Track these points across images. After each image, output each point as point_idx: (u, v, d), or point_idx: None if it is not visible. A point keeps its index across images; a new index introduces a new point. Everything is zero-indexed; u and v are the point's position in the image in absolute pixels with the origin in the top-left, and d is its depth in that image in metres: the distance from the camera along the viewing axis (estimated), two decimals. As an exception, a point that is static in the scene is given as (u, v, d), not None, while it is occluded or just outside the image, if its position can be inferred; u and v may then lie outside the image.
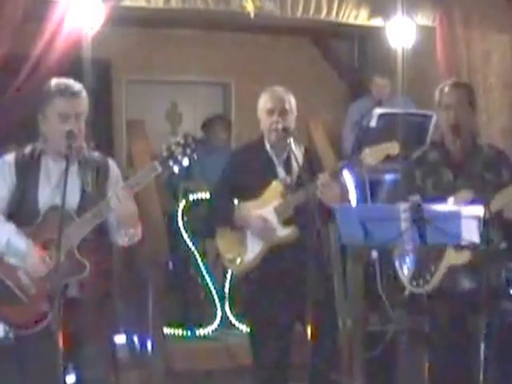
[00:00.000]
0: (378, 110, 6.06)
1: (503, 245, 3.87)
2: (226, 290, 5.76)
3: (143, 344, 5.33)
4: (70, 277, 3.38)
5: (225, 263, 4.25)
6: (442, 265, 3.81)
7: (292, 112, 4.14)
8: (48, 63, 4.90)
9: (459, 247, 3.68)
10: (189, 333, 5.68)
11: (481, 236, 3.38)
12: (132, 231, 3.51)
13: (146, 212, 5.05)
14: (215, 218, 4.27)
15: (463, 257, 3.75)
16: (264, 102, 4.15)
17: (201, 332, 5.69)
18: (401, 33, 5.96)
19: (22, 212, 3.45)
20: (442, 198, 3.81)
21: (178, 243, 5.85)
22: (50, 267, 3.32)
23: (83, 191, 3.49)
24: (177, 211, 5.87)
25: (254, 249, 4.08)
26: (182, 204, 5.90)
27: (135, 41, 7.06)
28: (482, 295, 3.57)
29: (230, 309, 5.76)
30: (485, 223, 3.38)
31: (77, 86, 3.51)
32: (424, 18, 6.10)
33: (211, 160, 5.69)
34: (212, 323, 5.73)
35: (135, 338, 5.43)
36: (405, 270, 3.94)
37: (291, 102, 4.15)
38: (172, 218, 5.90)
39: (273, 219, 4.04)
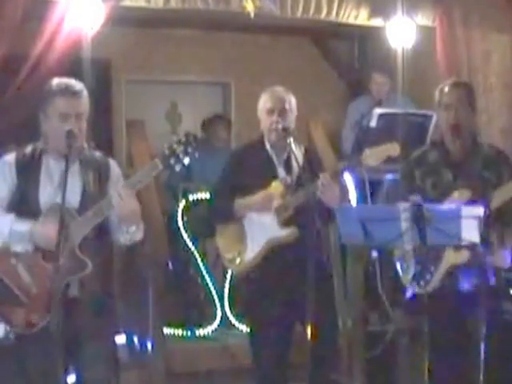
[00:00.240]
0: (378, 110, 6.06)
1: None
2: (226, 290, 5.76)
3: (143, 344, 5.33)
4: (72, 275, 3.39)
5: (225, 263, 4.25)
6: (442, 265, 3.81)
7: (292, 112, 4.14)
8: (48, 63, 4.90)
9: (459, 247, 3.68)
10: (189, 333, 5.68)
11: (481, 236, 3.38)
12: (133, 229, 3.50)
13: (146, 212, 5.03)
14: (215, 217, 4.27)
15: (463, 257, 3.75)
16: (264, 101, 4.16)
17: (201, 332, 5.69)
18: (401, 33, 5.95)
19: (23, 211, 3.45)
20: (442, 198, 3.81)
21: (178, 243, 5.85)
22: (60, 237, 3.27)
23: (84, 190, 3.49)
24: (177, 211, 5.87)
25: (253, 249, 4.07)
26: (182, 204, 5.91)
27: (135, 41, 7.06)
28: (482, 295, 3.58)
29: (230, 309, 5.77)
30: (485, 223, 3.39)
31: (78, 85, 3.52)
32: (424, 18, 6.10)
33: (211, 160, 5.70)
34: (212, 323, 5.73)
35: (135, 338, 5.43)
36: (405, 269, 3.94)
37: (291, 101, 4.15)
38: (172, 218, 5.90)
39: (273, 219, 4.05)
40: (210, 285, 5.79)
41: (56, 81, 3.52)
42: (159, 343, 5.24)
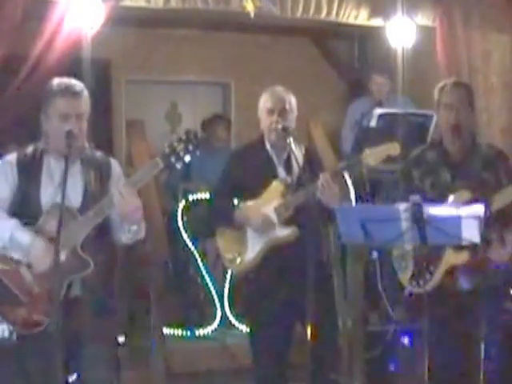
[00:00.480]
0: (378, 110, 6.06)
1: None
2: (226, 290, 5.76)
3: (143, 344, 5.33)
4: (74, 274, 3.39)
5: (225, 263, 4.24)
6: (442, 265, 3.81)
7: (292, 112, 4.14)
8: (48, 63, 4.90)
9: (459, 247, 3.68)
10: (189, 333, 5.68)
11: (481, 236, 3.38)
12: (135, 228, 3.50)
13: (146, 212, 5.02)
14: (215, 217, 4.26)
15: (463, 256, 3.75)
16: (264, 101, 4.16)
17: (201, 332, 5.69)
18: (401, 33, 5.96)
19: (24, 211, 3.45)
20: (440, 198, 3.81)
21: (178, 243, 5.85)
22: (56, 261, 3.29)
23: (86, 190, 3.50)
24: (176, 211, 5.87)
25: (253, 249, 4.07)
26: (182, 204, 5.91)
27: (135, 41, 7.06)
28: (482, 295, 3.58)
29: (230, 309, 5.77)
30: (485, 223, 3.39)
31: (78, 86, 3.52)
32: (424, 18, 6.10)
33: (211, 160, 5.70)
34: (212, 323, 5.73)
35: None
36: (403, 269, 3.94)
37: (291, 101, 4.15)
38: (172, 218, 5.90)
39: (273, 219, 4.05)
40: (210, 285, 5.79)
41: (56, 81, 3.52)
42: (159, 343, 5.24)
